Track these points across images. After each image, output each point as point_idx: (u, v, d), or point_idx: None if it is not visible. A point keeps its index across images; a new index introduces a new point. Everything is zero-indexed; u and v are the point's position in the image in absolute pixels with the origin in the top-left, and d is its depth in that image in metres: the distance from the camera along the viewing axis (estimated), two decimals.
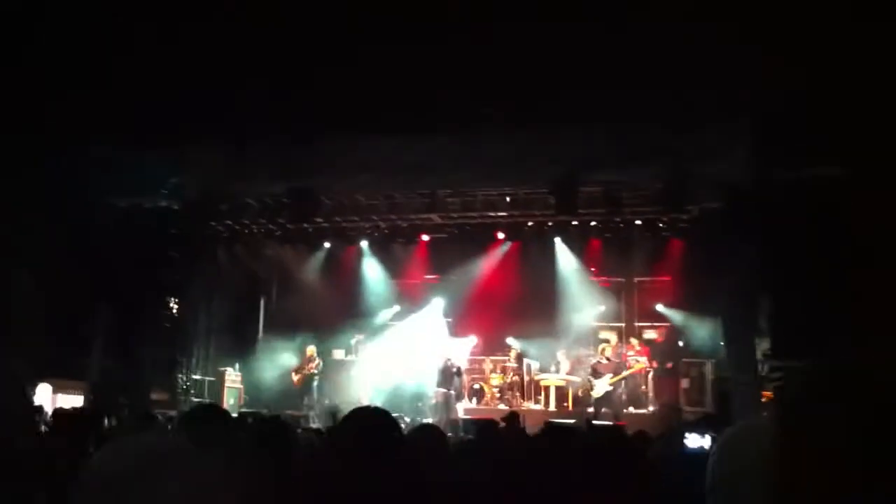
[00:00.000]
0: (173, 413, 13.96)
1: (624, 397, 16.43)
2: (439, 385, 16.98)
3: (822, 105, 11.63)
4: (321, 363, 18.41)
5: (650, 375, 17.08)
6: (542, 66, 12.00)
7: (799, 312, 13.11)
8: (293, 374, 18.46)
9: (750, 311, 14.82)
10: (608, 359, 16.42)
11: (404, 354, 18.58)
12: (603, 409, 15.82)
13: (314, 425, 14.46)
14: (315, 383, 18.24)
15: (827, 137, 12.16)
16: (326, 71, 12.89)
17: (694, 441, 3.49)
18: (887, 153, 11.10)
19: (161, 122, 13.57)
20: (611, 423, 13.87)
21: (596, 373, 16.22)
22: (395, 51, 12.22)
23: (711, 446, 3.41)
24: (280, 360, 19.03)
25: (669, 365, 16.85)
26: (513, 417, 11.18)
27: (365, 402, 17.26)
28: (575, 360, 17.46)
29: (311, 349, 18.54)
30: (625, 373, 16.29)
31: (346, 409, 12.65)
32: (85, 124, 13.12)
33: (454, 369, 17.08)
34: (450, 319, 19.25)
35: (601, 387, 16.02)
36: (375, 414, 3.35)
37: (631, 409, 16.41)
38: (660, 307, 18.19)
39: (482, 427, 8.06)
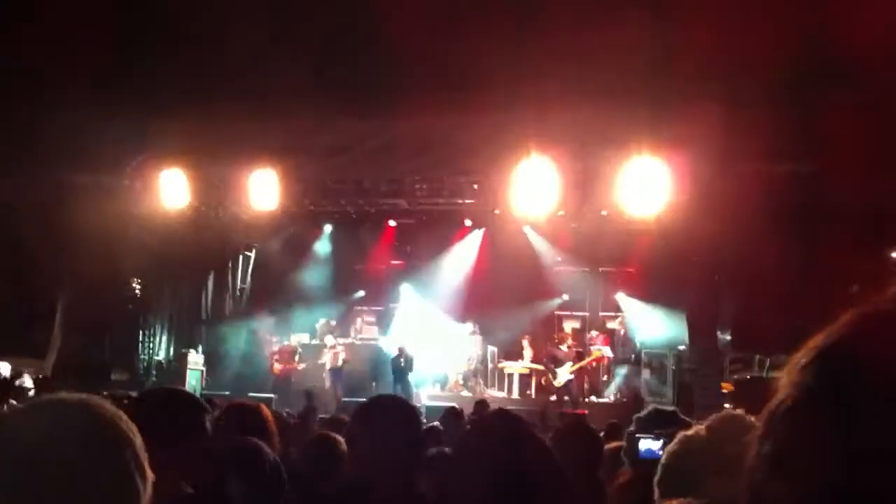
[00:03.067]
0: (134, 394, 13.82)
1: (586, 386, 16.56)
2: (394, 371, 16.96)
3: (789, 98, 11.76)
4: (300, 356, 18.25)
5: (609, 365, 17.26)
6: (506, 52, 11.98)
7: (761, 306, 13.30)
8: (274, 361, 18.20)
9: (713, 303, 14.99)
10: (568, 347, 16.49)
11: (371, 338, 18.59)
12: (564, 398, 15.92)
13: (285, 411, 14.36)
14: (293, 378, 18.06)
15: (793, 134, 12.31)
16: (293, 51, 12.79)
17: (646, 445, 3.52)
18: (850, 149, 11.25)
19: (125, 97, 13.39)
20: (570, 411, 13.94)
21: (557, 361, 16.28)
22: (368, 32, 12.16)
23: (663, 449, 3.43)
24: (242, 343, 18.93)
25: (599, 355, 16.95)
26: (482, 405, 11.18)
27: (327, 386, 17.26)
28: (538, 348, 17.53)
29: (298, 339, 18.39)
30: (583, 361, 16.37)
31: (317, 392, 12.60)
32: (49, 96, 12.91)
33: (404, 359, 17.02)
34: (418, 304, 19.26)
35: (563, 375, 16.11)
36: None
37: (592, 399, 16.54)
38: (620, 297, 18.31)
39: (447, 413, 8.07)
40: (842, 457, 0.76)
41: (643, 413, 3.69)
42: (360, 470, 2.95)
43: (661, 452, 3.39)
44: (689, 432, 2.37)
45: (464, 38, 11.78)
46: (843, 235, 13.22)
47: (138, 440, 1.56)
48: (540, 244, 18.14)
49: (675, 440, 2.38)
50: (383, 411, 3.00)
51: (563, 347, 16.54)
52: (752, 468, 0.89)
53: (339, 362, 17.81)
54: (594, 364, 16.84)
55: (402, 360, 16.82)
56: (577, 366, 16.22)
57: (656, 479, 2.39)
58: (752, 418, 2.33)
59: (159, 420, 2.56)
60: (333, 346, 18.08)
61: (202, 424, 2.89)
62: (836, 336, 0.84)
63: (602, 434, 5.35)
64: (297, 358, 18.12)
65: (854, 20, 10.35)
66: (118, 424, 1.54)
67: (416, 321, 18.85)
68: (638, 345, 17.66)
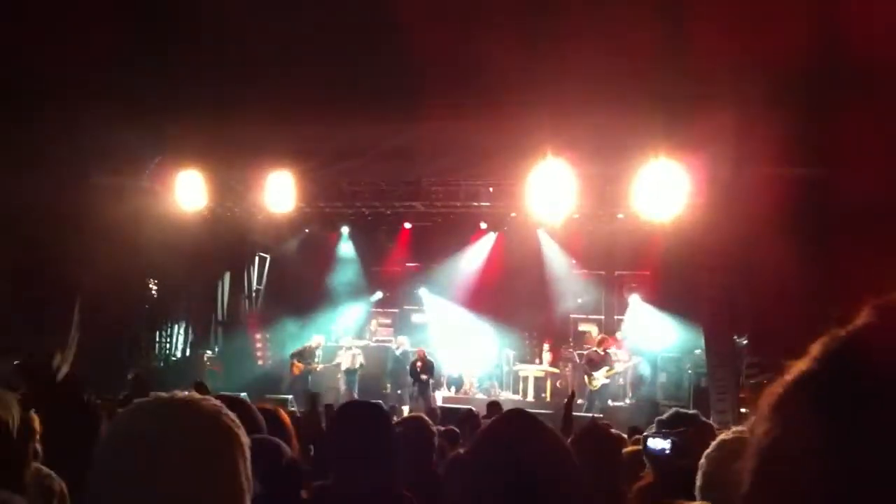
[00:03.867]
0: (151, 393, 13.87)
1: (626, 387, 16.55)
2: (412, 376, 17.00)
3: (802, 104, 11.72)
4: (321, 357, 18.29)
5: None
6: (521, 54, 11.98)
7: (778, 309, 13.21)
8: (293, 361, 18.26)
9: (730, 307, 14.92)
10: (605, 352, 16.45)
11: (387, 340, 18.62)
12: (595, 402, 15.96)
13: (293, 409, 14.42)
14: (309, 377, 18.13)
15: (809, 137, 12.25)
16: (310, 55, 12.84)
17: (654, 444, 3.52)
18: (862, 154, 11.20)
19: (144, 99, 13.48)
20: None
21: (594, 365, 16.28)
22: (385, 34, 12.19)
23: (672, 448, 3.42)
24: (259, 344, 19.01)
25: (638, 358, 16.83)
26: (494, 407, 11.18)
27: (342, 388, 17.32)
28: (556, 352, 17.52)
29: (317, 339, 18.38)
30: (619, 367, 16.33)
31: (326, 393, 12.60)
32: (68, 99, 13.01)
33: (421, 363, 17.05)
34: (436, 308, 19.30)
35: (599, 379, 16.13)
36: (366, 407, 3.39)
37: (609, 402, 16.51)
38: (635, 300, 18.27)
39: (464, 416, 8.08)
40: (846, 446, 0.76)
41: (665, 416, 3.69)
42: (331, 470, 3.06)
43: (669, 451, 3.42)
44: (728, 436, 2.35)
45: (481, 41, 11.78)
46: (860, 239, 13.13)
47: (246, 441, 1.59)
48: (555, 248, 18.13)
49: (715, 445, 2.35)
50: (350, 417, 3.18)
51: (600, 351, 16.48)
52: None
53: (356, 364, 17.86)
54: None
55: (419, 364, 16.88)
56: (613, 371, 16.19)
57: (698, 485, 2.37)
58: None
59: None
60: (350, 348, 18.13)
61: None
62: (851, 328, 0.85)
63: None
64: (316, 359, 18.16)
65: (869, 22, 10.31)
66: (230, 425, 1.57)
67: (436, 324, 18.88)
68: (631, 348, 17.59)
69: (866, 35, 10.49)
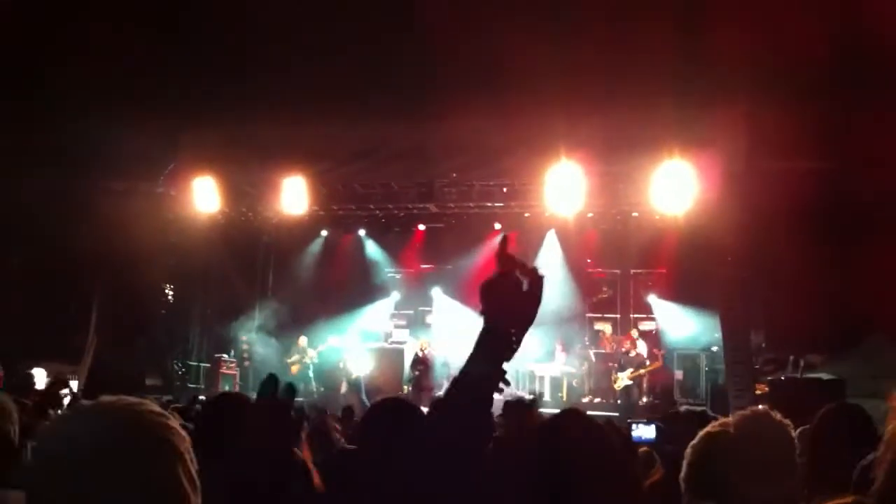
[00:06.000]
0: (168, 398, 13.96)
1: (645, 388, 16.47)
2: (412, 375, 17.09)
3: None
4: (315, 353, 18.36)
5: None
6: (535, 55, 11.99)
7: (793, 305, 13.17)
8: (289, 363, 18.43)
9: (746, 302, 14.87)
10: (634, 353, 16.40)
11: (402, 341, 18.65)
12: (619, 402, 15.96)
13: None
14: (310, 373, 18.20)
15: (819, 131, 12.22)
16: (322, 58, 12.89)
17: (639, 431, 3.55)
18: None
19: (159, 106, 13.56)
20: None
21: (622, 366, 16.29)
22: (398, 36, 12.22)
23: (657, 433, 3.42)
24: (275, 347, 19.04)
25: (657, 363, 16.71)
26: (509, 409, 11.14)
27: (343, 389, 17.35)
28: (569, 351, 17.47)
29: (303, 340, 18.51)
30: (643, 369, 16.26)
31: (330, 401, 12.57)
32: (87, 105, 13.10)
33: (422, 362, 17.12)
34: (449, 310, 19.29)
35: (623, 380, 16.11)
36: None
37: (638, 401, 16.48)
38: (652, 299, 18.22)
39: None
40: None
41: (677, 412, 3.69)
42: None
43: (653, 437, 3.43)
44: (715, 429, 2.35)
45: (494, 42, 11.80)
46: (873, 233, 13.08)
47: (187, 446, 1.55)
48: (570, 247, 18.10)
49: (701, 435, 2.36)
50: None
51: (632, 352, 16.40)
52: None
53: (364, 368, 17.91)
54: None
55: (421, 360, 16.97)
56: (637, 373, 16.15)
57: (682, 476, 2.38)
58: (780, 417, 2.32)
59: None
60: (358, 352, 18.20)
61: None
62: None
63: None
64: (307, 354, 18.27)
65: (880, 18, 10.28)
66: (167, 431, 1.54)
67: (448, 324, 18.86)
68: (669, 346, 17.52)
69: (881, 29, 10.46)
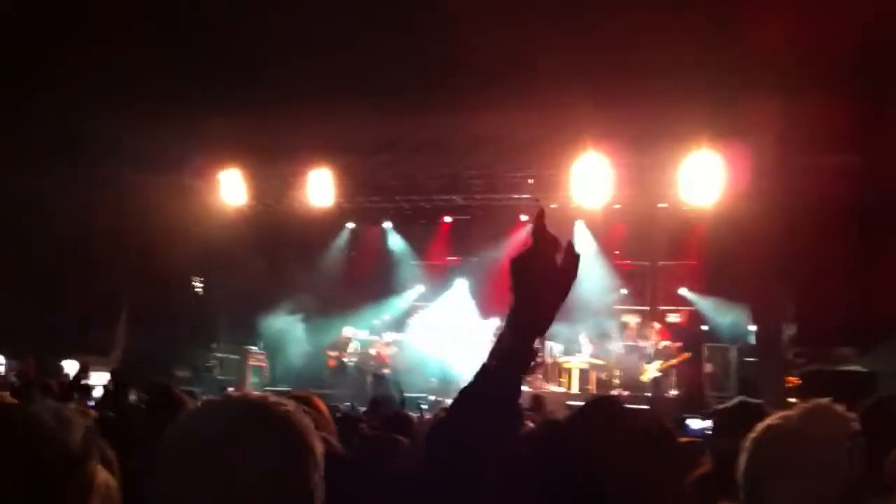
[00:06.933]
0: (197, 390, 14.07)
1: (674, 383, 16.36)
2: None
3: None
4: (358, 346, 18.40)
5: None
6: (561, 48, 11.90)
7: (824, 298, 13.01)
8: (328, 354, 18.44)
9: (776, 296, 14.72)
10: (661, 345, 16.31)
11: (428, 335, 18.63)
12: (648, 394, 15.89)
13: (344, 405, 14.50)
14: (351, 365, 18.23)
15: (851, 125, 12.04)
16: (345, 49, 12.87)
17: (695, 424, 3.47)
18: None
19: (187, 98, 13.61)
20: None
21: (650, 358, 16.21)
22: (422, 27, 12.17)
23: (713, 427, 3.34)
24: (304, 339, 19.11)
25: (686, 355, 16.54)
26: (537, 401, 11.11)
27: (369, 381, 17.39)
28: (598, 343, 17.36)
29: (348, 331, 18.52)
30: (672, 360, 16.17)
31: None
32: (115, 99, 13.19)
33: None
34: (473, 301, 19.25)
35: (651, 372, 16.04)
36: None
37: (666, 394, 16.39)
38: (683, 291, 18.07)
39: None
40: None
41: (729, 404, 3.60)
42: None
43: (709, 430, 3.35)
44: (776, 420, 2.28)
45: (519, 33, 11.72)
46: None
47: (319, 447, 1.55)
48: (597, 239, 17.97)
49: (762, 427, 2.28)
50: None
51: (659, 345, 16.32)
52: None
53: (393, 361, 17.93)
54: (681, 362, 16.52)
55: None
56: (666, 364, 16.05)
57: (741, 469, 2.31)
58: (843, 410, 2.26)
59: None
60: (389, 344, 18.21)
61: None
62: None
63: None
64: (349, 350, 18.28)
65: None
66: (303, 431, 1.54)
67: (445, 322, 18.83)
68: (699, 338, 17.36)
69: None
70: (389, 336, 18.59)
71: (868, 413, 3.44)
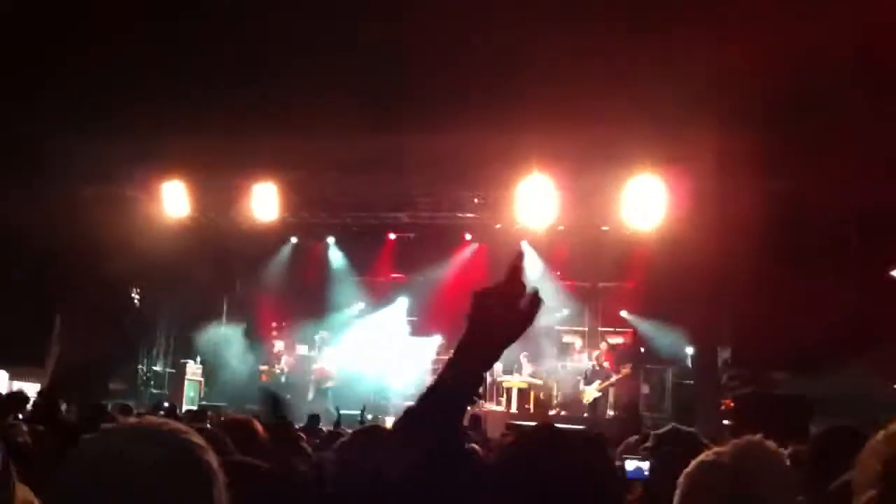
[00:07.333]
0: (132, 403, 13.82)
1: (611, 401, 16.47)
2: None
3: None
4: (288, 360, 18.28)
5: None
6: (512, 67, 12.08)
7: (760, 322, 13.32)
8: (261, 370, 18.32)
9: (713, 318, 15.01)
10: (601, 366, 16.42)
11: (367, 351, 18.57)
12: (585, 415, 15.97)
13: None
14: (282, 380, 18.08)
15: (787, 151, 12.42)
16: (296, 66, 12.87)
17: (632, 465, 3.51)
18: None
19: (131, 109, 13.45)
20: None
21: (588, 379, 16.29)
22: (373, 46, 12.23)
23: (651, 470, 3.39)
24: (241, 354, 18.89)
25: (627, 369, 16.77)
26: (475, 421, 11.17)
27: (310, 397, 17.28)
28: (537, 362, 17.47)
29: (279, 346, 18.44)
30: (612, 379, 16.28)
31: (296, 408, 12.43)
32: (56, 111, 12.96)
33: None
34: (414, 318, 19.26)
35: (591, 393, 16.12)
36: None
37: (608, 414, 16.52)
38: (624, 313, 18.32)
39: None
40: None
41: (661, 431, 3.65)
42: None
43: (647, 473, 3.40)
44: (709, 458, 2.32)
45: (469, 55, 11.86)
46: (840, 251, 13.30)
47: (217, 466, 1.56)
48: (539, 259, 18.14)
49: (695, 465, 2.33)
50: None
51: (597, 366, 16.40)
52: None
53: (332, 376, 17.84)
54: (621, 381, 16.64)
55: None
56: (606, 384, 16.15)
57: None
58: (775, 446, 2.32)
59: None
60: (328, 359, 18.13)
61: None
62: None
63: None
64: (282, 364, 18.18)
65: (846, 40, 10.50)
66: (207, 458, 1.54)
67: (391, 335, 18.85)
68: (638, 360, 17.58)
69: (846, 53, 10.66)
70: (328, 351, 18.48)
71: (818, 441, 3.53)
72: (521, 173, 14.73)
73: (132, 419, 1.59)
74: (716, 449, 2.37)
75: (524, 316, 1.78)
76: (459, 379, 1.77)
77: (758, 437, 2.31)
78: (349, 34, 12.51)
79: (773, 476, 2.23)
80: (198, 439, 1.55)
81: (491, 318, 1.77)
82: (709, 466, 2.28)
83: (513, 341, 1.79)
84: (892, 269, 15.03)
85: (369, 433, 3.54)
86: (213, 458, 1.56)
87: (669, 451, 3.39)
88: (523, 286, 1.78)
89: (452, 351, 1.84)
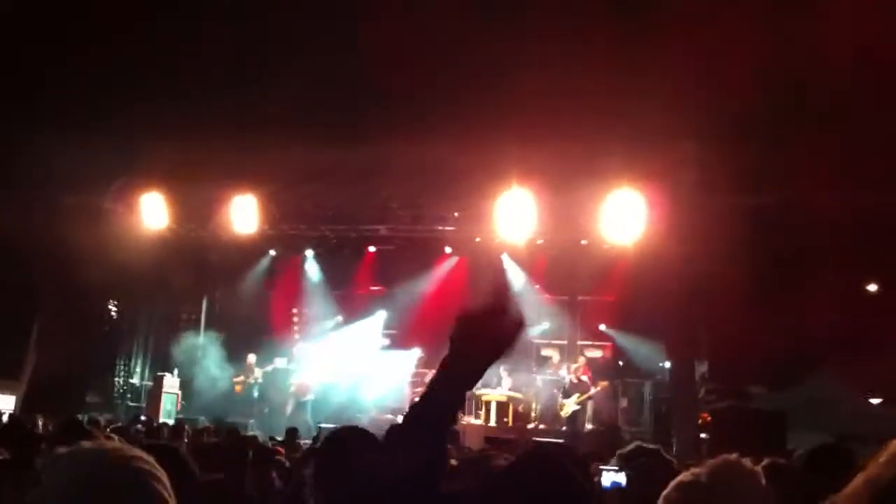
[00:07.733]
0: (109, 416, 13.71)
1: (589, 414, 16.45)
2: None
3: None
4: (262, 372, 18.18)
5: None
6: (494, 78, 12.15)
7: (737, 336, 13.40)
8: (234, 381, 18.22)
9: (690, 332, 15.10)
10: (579, 379, 16.39)
11: (344, 364, 18.51)
12: (564, 428, 15.95)
13: (252, 433, 14.27)
14: (255, 392, 18.00)
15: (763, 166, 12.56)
16: (275, 79, 12.87)
17: (608, 478, 3.53)
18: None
19: (109, 121, 13.39)
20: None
21: (566, 392, 16.25)
22: (353, 60, 12.26)
23: (628, 482, 3.41)
24: (219, 367, 18.77)
25: (604, 384, 16.80)
26: (453, 435, 11.14)
27: (289, 410, 17.19)
28: (516, 376, 17.46)
29: (251, 358, 18.34)
30: (591, 392, 16.25)
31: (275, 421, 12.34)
32: (33, 120, 12.89)
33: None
34: (393, 332, 19.22)
35: (570, 406, 16.09)
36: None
37: (585, 428, 16.52)
38: (603, 327, 18.38)
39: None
40: None
41: (625, 450, 3.69)
42: None
43: (624, 484, 3.42)
44: (686, 478, 2.34)
45: (448, 69, 11.91)
46: (816, 266, 13.42)
47: (166, 488, 1.58)
48: (518, 272, 18.19)
49: (673, 486, 2.35)
50: None
51: (574, 379, 16.37)
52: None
53: (310, 391, 17.77)
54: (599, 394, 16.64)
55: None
56: (584, 397, 16.11)
57: None
58: (751, 466, 2.34)
59: None
60: (305, 372, 18.06)
61: None
62: None
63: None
64: (255, 374, 18.07)
65: (822, 58, 10.63)
66: (154, 483, 1.56)
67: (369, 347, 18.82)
68: (616, 373, 17.63)
69: (822, 71, 10.80)
70: (306, 364, 18.41)
71: (812, 457, 3.55)
72: (501, 187, 14.78)
73: (88, 444, 1.60)
74: (693, 469, 2.39)
75: (507, 337, 1.80)
76: (443, 398, 1.78)
77: (734, 455, 2.32)
78: (330, 48, 12.54)
79: (750, 494, 2.25)
80: (148, 466, 1.57)
81: (474, 340, 1.78)
82: (686, 486, 2.30)
83: (494, 362, 1.81)
84: (867, 283, 15.22)
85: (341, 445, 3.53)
86: (163, 487, 1.57)
87: (644, 463, 3.41)
88: (508, 303, 1.80)
89: (435, 370, 1.86)
